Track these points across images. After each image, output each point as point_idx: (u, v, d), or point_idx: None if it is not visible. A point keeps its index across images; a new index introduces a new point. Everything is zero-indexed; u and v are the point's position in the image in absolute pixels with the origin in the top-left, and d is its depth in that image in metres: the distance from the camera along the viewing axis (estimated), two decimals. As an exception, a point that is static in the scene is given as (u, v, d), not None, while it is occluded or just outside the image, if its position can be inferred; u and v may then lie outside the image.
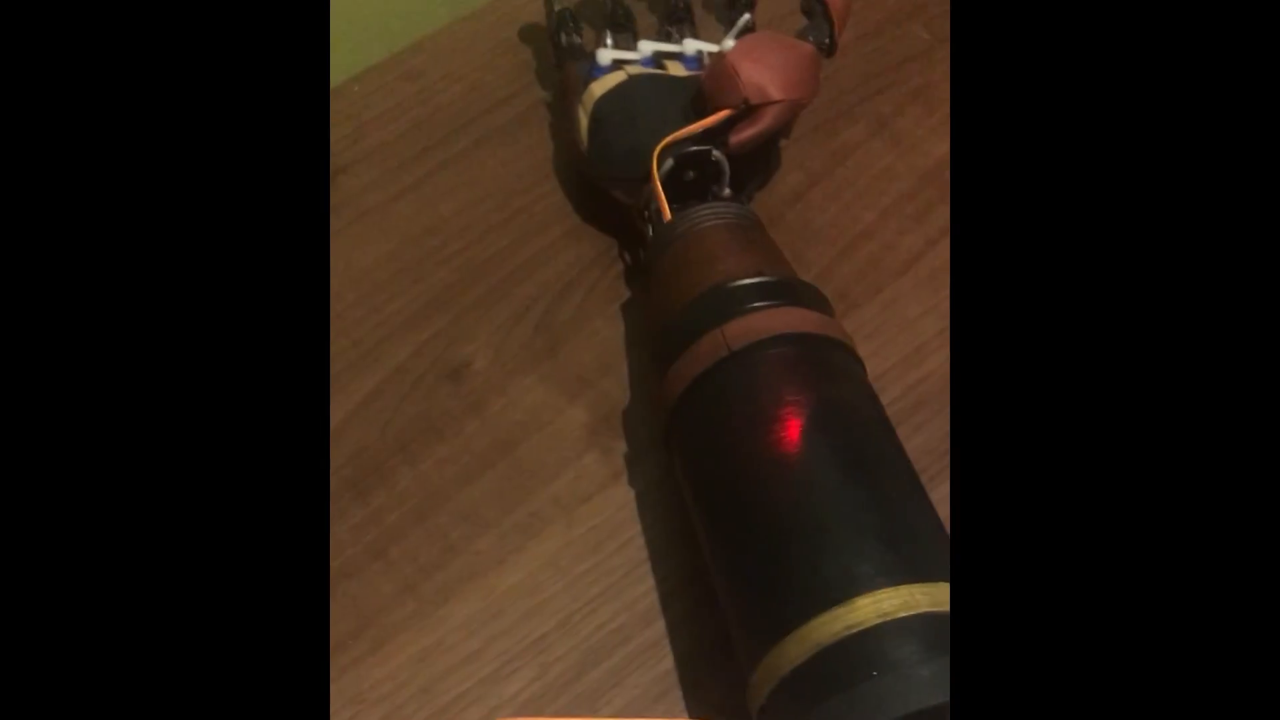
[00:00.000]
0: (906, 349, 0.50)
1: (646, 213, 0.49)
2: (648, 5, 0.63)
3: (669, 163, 0.48)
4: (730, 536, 0.38)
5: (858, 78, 0.59)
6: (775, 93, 0.48)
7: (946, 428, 0.47)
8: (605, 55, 0.53)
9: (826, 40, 0.50)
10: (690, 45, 0.54)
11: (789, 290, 0.42)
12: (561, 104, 0.57)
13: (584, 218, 0.55)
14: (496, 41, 0.62)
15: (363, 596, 0.44)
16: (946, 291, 0.51)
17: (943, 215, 0.54)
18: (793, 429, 0.37)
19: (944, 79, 0.59)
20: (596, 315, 0.52)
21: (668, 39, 0.57)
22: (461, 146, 0.58)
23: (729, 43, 0.48)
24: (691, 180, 0.49)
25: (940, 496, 0.45)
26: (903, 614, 0.33)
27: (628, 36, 0.57)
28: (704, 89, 0.49)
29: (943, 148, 0.56)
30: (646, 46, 0.54)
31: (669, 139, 0.48)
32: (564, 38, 0.56)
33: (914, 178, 0.55)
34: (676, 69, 0.53)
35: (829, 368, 0.40)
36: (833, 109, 0.58)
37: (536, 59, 0.61)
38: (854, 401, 0.39)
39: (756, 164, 0.53)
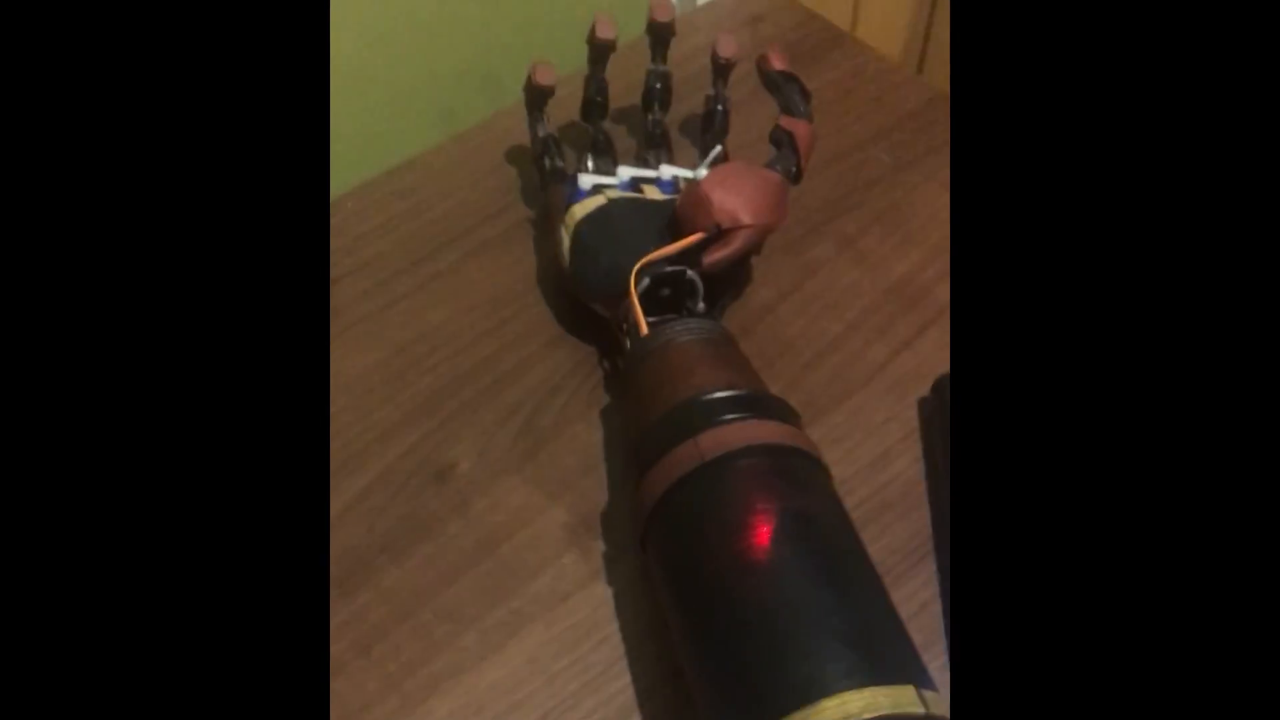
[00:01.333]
0: (873, 453, 0.53)
1: (625, 326, 0.52)
2: (627, 129, 0.67)
3: (645, 281, 0.51)
4: (703, 638, 0.40)
5: (825, 199, 0.63)
6: (745, 218, 0.51)
7: (912, 528, 0.50)
8: (586, 180, 0.56)
9: (794, 169, 0.54)
10: (666, 171, 0.58)
11: (759, 403, 0.45)
12: (545, 223, 0.61)
13: (566, 328, 0.58)
14: (485, 162, 0.66)
15: (347, 693, 0.46)
16: (910, 399, 0.54)
17: (905, 327, 0.57)
18: (762, 536, 0.39)
19: (905, 201, 0.63)
20: (578, 420, 0.54)
21: (645, 165, 0.61)
22: (450, 260, 0.61)
23: (702, 171, 0.52)
24: (667, 296, 0.53)
25: (907, 594, 0.48)
26: (867, 716, 0.35)
27: (607, 160, 0.61)
28: (679, 213, 0.52)
29: (904, 265, 0.60)
30: (625, 172, 0.57)
31: (645, 259, 0.51)
32: (548, 162, 0.60)
33: (878, 293, 0.59)
34: (653, 193, 0.57)
35: (797, 477, 0.42)
36: (801, 228, 0.61)
37: (522, 179, 0.65)
38: (820, 510, 0.41)
39: (729, 280, 0.56)
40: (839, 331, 0.57)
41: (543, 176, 0.60)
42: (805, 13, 0.74)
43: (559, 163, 0.60)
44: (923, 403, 0.54)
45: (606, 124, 0.63)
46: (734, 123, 0.62)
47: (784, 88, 0.56)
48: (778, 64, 0.56)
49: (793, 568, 0.39)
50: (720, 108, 0.62)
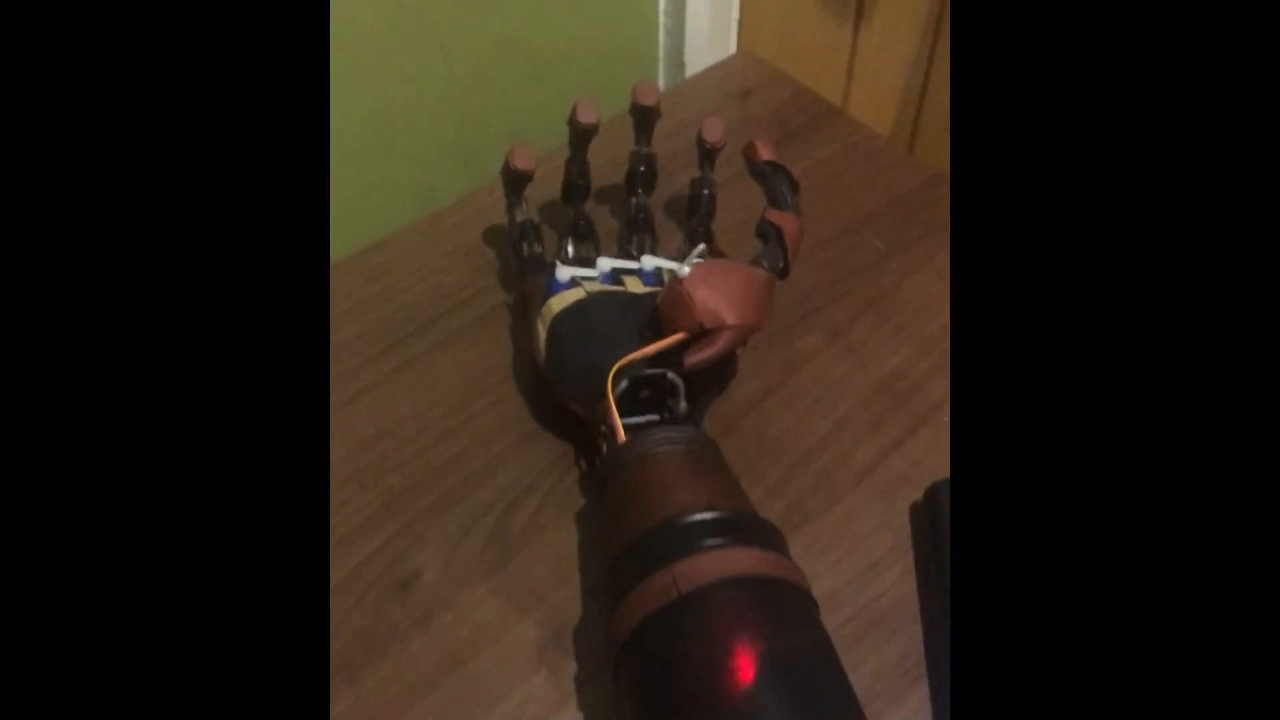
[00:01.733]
0: (861, 565, 0.50)
1: (602, 428, 0.49)
2: (610, 209, 0.65)
3: (624, 384, 0.49)
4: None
5: (813, 286, 0.60)
6: (729, 318, 0.49)
7: (902, 647, 0.47)
8: (564, 272, 0.54)
9: (781, 264, 0.52)
10: (648, 262, 0.55)
11: (740, 526, 0.42)
12: (521, 313, 0.58)
13: (541, 423, 0.55)
14: (459, 243, 0.63)
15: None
16: (900, 505, 0.52)
17: (895, 426, 0.54)
18: (741, 680, 0.36)
19: (896, 289, 0.60)
20: (550, 525, 0.51)
21: (627, 252, 0.58)
22: (421, 347, 0.58)
23: (685, 268, 0.49)
24: (646, 397, 0.50)
25: (900, 717, 0.44)
26: None
27: (588, 246, 0.59)
28: (660, 311, 0.50)
29: (895, 359, 0.57)
30: (605, 263, 0.55)
31: (624, 360, 0.49)
32: (526, 248, 0.57)
33: (868, 388, 0.56)
34: (634, 284, 0.55)
35: (779, 612, 0.39)
36: (788, 317, 0.59)
37: (499, 261, 0.62)
38: (804, 648, 0.39)
39: (712, 376, 0.54)
40: (827, 430, 0.55)
41: (520, 263, 0.58)
42: (796, 87, 0.72)
43: (537, 249, 0.58)
44: (914, 509, 0.51)
45: (589, 205, 0.60)
46: (721, 203, 0.60)
47: (771, 179, 0.54)
48: (765, 154, 0.54)
49: (772, 715, 0.36)
50: (706, 192, 0.60)
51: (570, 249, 0.59)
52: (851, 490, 0.52)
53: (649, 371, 0.49)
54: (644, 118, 0.58)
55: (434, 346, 0.58)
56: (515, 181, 0.57)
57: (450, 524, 0.51)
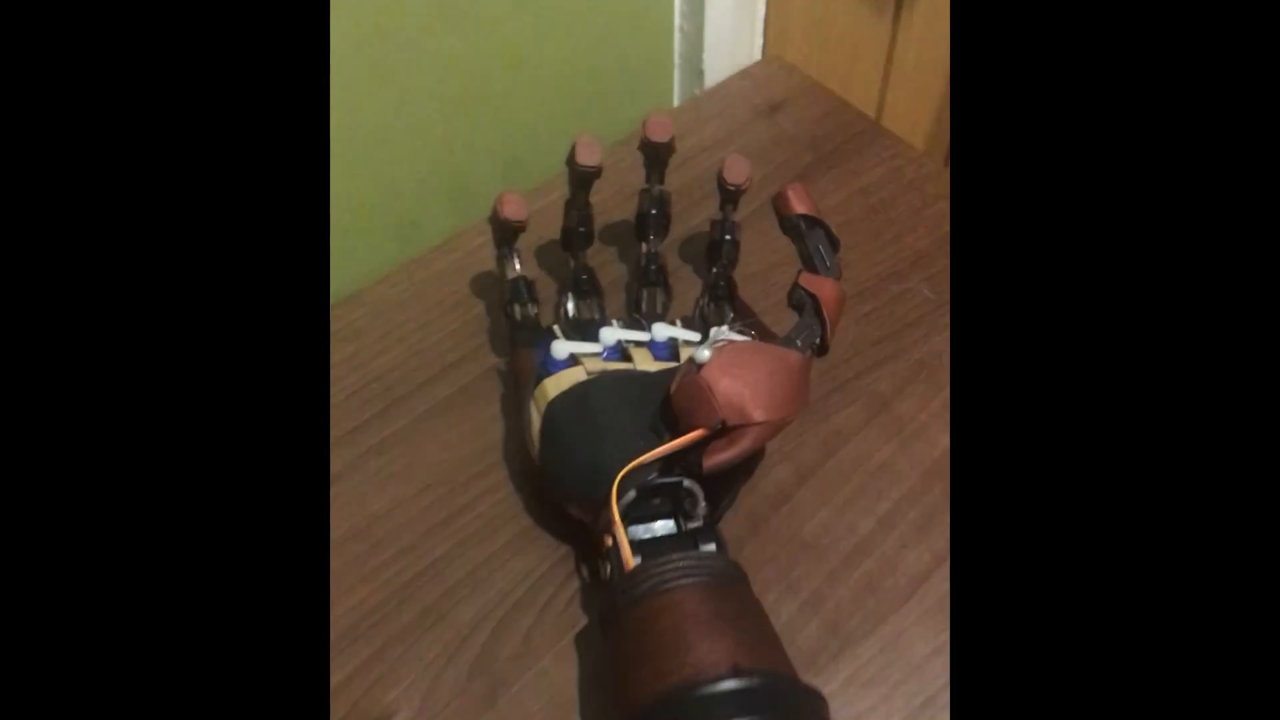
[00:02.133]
0: (914, 701, 0.42)
1: (607, 542, 0.41)
2: (618, 251, 0.56)
3: (630, 494, 0.41)
4: None
5: (852, 348, 0.52)
6: (756, 413, 0.41)
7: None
8: (561, 349, 0.46)
9: (818, 340, 0.44)
10: (661, 331, 0.47)
11: (770, 698, 0.34)
12: (514, 390, 0.50)
13: (536, 518, 0.47)
14: (444, 295, 0.55)
15: None
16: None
17: (949, 523, 0.46)
18: None
19: (948, 348, 0.52)
20: (545, 650, 0.44)
21: (637, 313, 0.50)
22: (400, 425, 0.50)
23: (704, 352, 0.41)
24: (659, 503, 0.42)
25: None
26: None
27: (591, 304, 0.51)
28: (675, 403, 0.42)
29: (948, 438, 0.49)
30: (610, 335, 0.47)
31: (631, 465, 0.41)
32: (518, 310, 0.49)
33: (917, 475, 0.48)
34: (644, 358, 0.46)
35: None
36: (825, 385, 0.51)
37: (489, 315, 0.54)
38: None
39: (739, 470, 0.45)
40: (870, 528, 0.46)
41: (511, 330, 0.50)
42: (831, 101, 0.64)
43: (531, 311, 0.49)
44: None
45: (594, 247, 0.52)
46: (747, 242, 0.52)
47: (807, 236, 0.46)
48: (799, 206, 0.46)
49: None
50: (729, 238, 0.52)
51: (570, 306, 0.51)
52: (901, 606, 0.44)
53: (660, 480, 0.41)
54: (655, 155, 0.50)
55: (413, 424, 0.50)
56: (506, 233, 0.49)
57: (429, 649, 0.44)
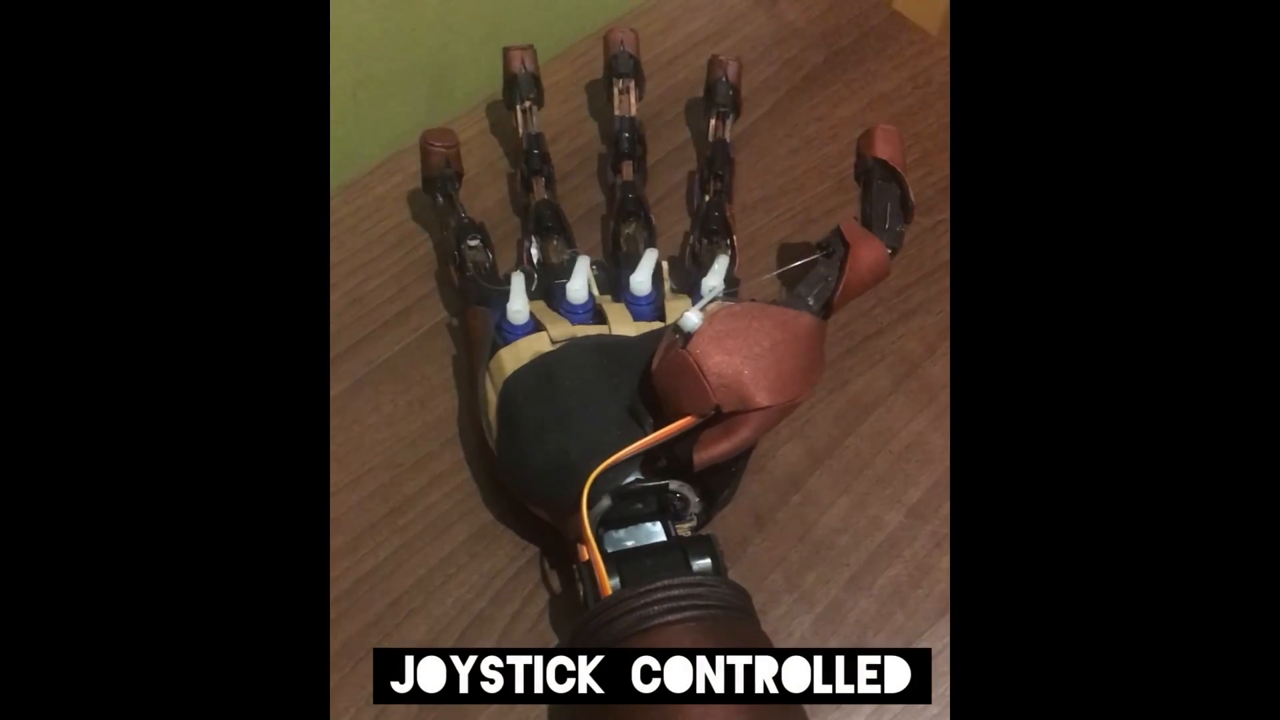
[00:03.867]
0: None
1: (577, 560, 0.34)
2: (593, 174, 0.47)
3: (604, 502, 0.33)
4: None
5: (874, 297, 0.43)
6: (758, 396, 0.32)
7: None
8: (520, 309, 0.37)
9: (830, 294, 0.35)
10: (638, 282, 0.38)
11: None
12: (466, 354, 0.42)
13: (497, 513, 0.40)
14: (385, 229, 0.46)
15: None
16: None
17: (994, 514, 0.39)
18: None
19: (991, 295, 0.43)
20: (509, 677, 0.36)
21: (614, 260, 0.42)
22: (332, 393, 0.42)
23: (692, 318, 0.33)
24: (640, 508, 0.34)
25: None
26: None
27: (559, 245, 0.42)
28: (658, 383, 0.34)
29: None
30: (578, 289, 0.38)
31: (605, 464, 0.33)
32: (468, 261, 0.40)
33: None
34: (621, 319, 0.38)
35: None
36: (840, 341, 0.42)
37: (438, 255, 0.45)
38: None
39: (739, 458, 0.37)
40: (897, 523, 0.39)
41: (461, 282, 0.41)
42: (843, -16, 0.54)
43: (487, 259, 0.41)
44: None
45: (557, 185, 0.43)
46: (744, 164, 0.43)
47: (879, 188, 0.37)
48: (883, 149, 0.37)
49: None
50: (724, 156, 0.43)
51: (534, 250, 0.42)
52: (936, 621, 0.37)
53: (641, 484, 0.33)
54: (622, 72, 0.41)
55: (348, 392, 0.42)
56: (441, 183, 0.40)
57: (364, 682, 0.36)
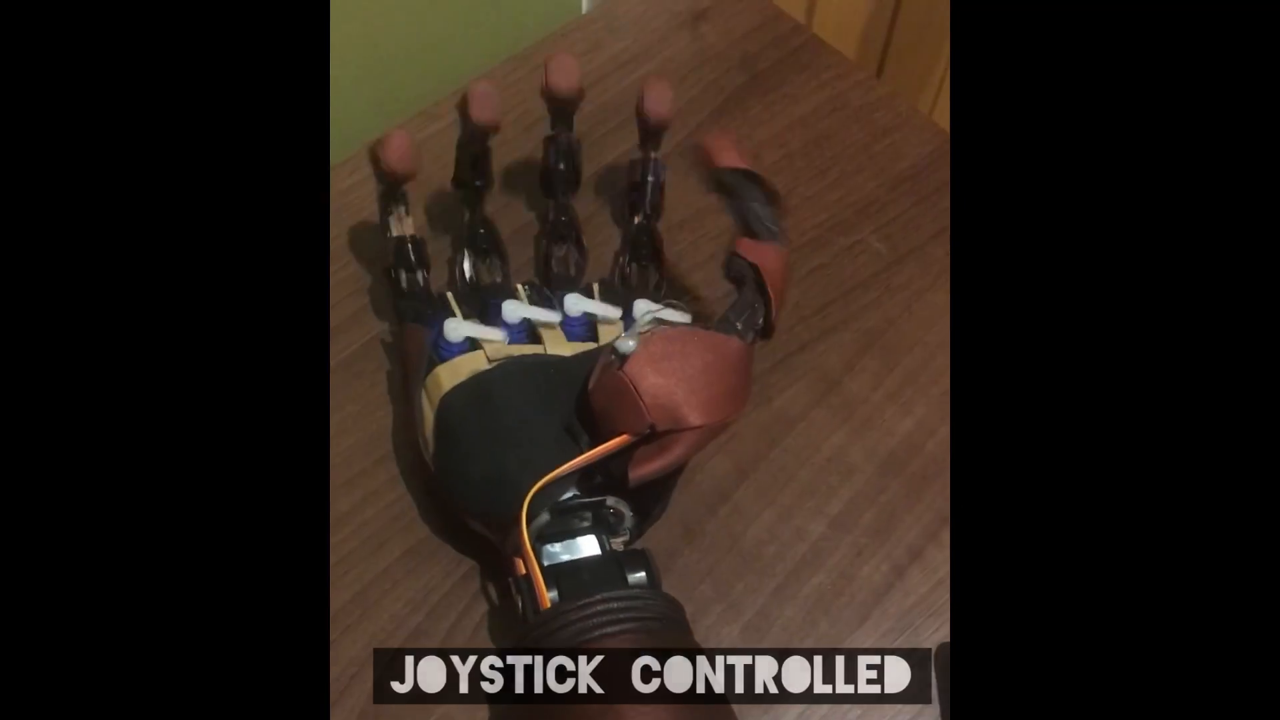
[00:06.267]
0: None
1: (514, 575, 0.35)
2: (526, 197, 0.48)
3: (543, 517, 0.34)
4: None
5: (794, 313, 0.45)
6: (691, 416, 0.34)
7: None
8: (456, 328, 0.38)
9: (760, 320, 0.37)
10: (573, 304, 0.39)
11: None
12: (402, 371, 0.42)
13: (434, 528, 0.40)
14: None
15: None
16: (922, 645, 0.38)
17: (913, 525, 0.41)
18: None
19: (905, 313, 0.46)
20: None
21: (547, 281, 0.43)
22: (264, 413, 0.42)
23: (628, 343, 0.34)
24: (577, 523, 0.36)
25: None
26: None
27: (493, 263, 0.43)
28: (594, 403, 0.35)
29: (908, 421, 0.43)
30: (514, 311, 0.39)
31: (543, 481, 0.34)
32: (404, 276, 0.41)
33: (872, 468, 0.42)
34: (556, 340, 0.39)
35: None
36: (765, 358, 0.44)
37: (370, 272, 0.46)
38: None
39: (672, 474, 0.39)
40: (820, 533, 0.41)
41: (397, 299, 0.41)
42: (763, 9, 0.55)
43: (421, 277, 0.41)
44: (941, 654, 0.38)
45: (490, 202, 0.44)
46: (672, 184, 0.44)
47: (739, 194, 0.38)
48: (725, 159, 0.38)
49: None
50: (651, 179, 0.44)
51: (467, 267, 0.43)
52: (858, 627, 0.39)
53: (577, 500, 0.35)
54: (560, 105, 0.42)
55: (282, 413, 0.42)
56: (391, 187, 0.41)
57: (307, 694, 0.37)
